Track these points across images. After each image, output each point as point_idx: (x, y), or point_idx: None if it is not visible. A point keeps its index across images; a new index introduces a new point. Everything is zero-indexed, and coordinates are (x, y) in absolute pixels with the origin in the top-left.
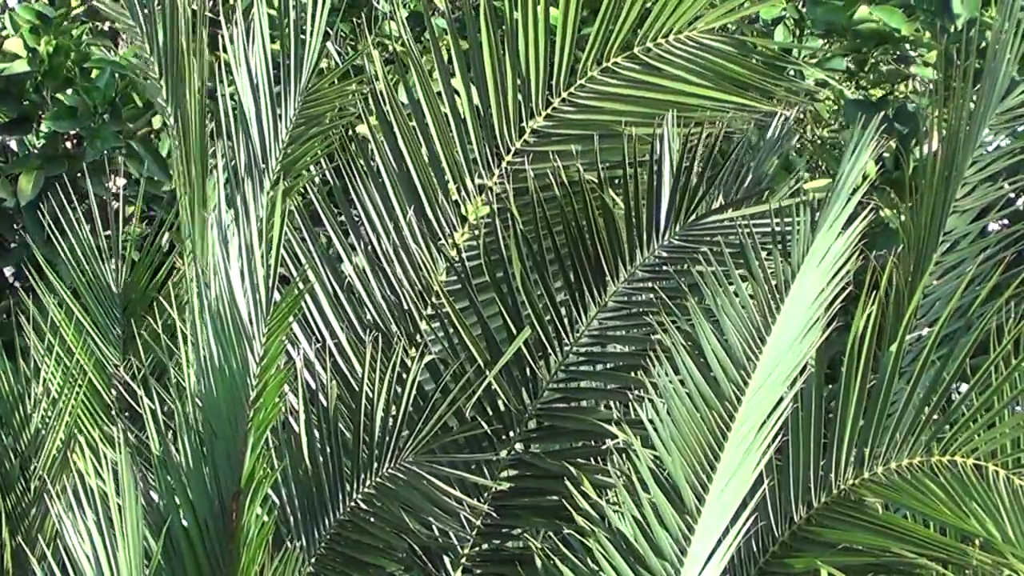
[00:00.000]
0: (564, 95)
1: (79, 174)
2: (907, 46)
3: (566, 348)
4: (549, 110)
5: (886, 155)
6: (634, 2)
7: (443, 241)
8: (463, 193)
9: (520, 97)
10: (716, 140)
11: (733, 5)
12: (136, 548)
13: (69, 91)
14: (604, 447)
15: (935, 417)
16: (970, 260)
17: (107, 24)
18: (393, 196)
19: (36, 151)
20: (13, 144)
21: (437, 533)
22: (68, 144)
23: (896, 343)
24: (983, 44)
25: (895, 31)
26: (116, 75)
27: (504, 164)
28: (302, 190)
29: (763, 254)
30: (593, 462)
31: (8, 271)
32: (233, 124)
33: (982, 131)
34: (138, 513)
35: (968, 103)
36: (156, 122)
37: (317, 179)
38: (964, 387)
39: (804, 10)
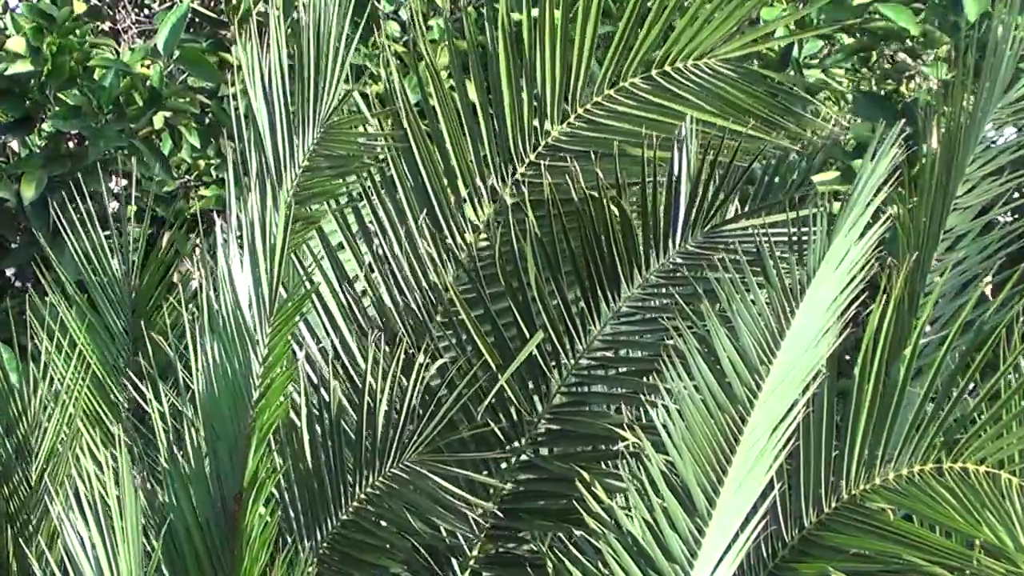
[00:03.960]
0: (580, 111)
1: (81, 173)
2: (914, 43)
3: (578, 352)
4: (564, 125)
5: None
6: (653, 25)
7: (452, 243)
8: (476, 201)
9: (536, 111)
10: (735, 152)
11: (753, 36)
12: (136, 548)
13: (73, 91)
14: (615, 449)
15: (947, 423)
16: (973, 258)
17: (107, 24)
18: (404, 199)
19: (39, 151)
20: (15, 144)
21: (444, 534)
22: (71, 144)
23: (910, 347)
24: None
25: (904, 30)
26: (120, 75)
27: (518, 175)
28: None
29: (779, 259)
30: (603, 466)
31: (10, 271)
32: (244, 127)
33: (984, 126)
34: (138, 513)
35: (969, 98)
36: (158, 122)
37: None
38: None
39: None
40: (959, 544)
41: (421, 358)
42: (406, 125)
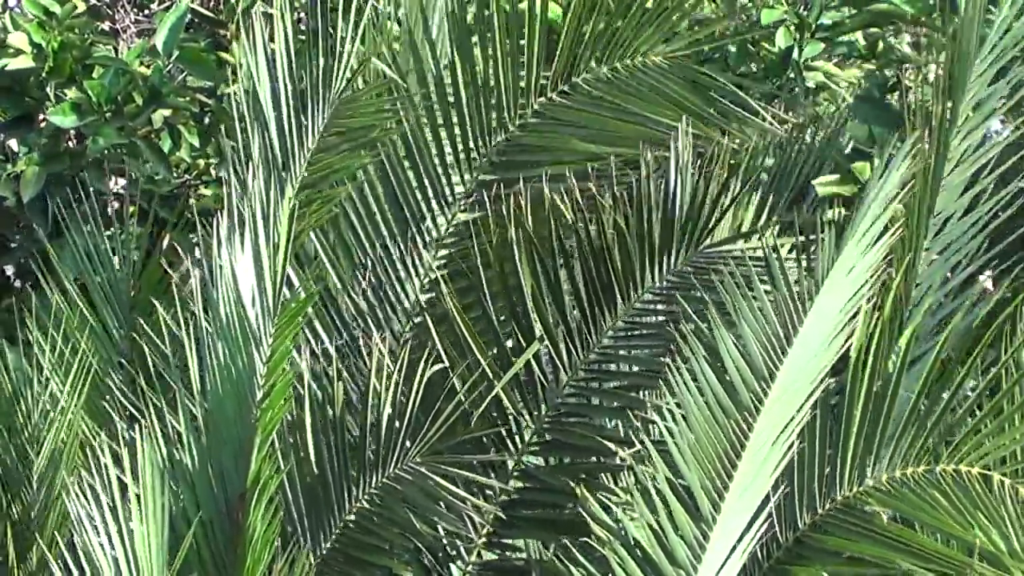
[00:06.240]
0: (536, 106)
1: (81, 171)
2: (921, 29)
3: (576, 364)
4: (520, 119)
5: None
6: (595, 25)
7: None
8: (441, 201)
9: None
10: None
11: (700, 35)
12: (160, 547)
13: (73, 88)
14: (613, 462)
15: (940, 424)
16: (962, 239)
17: (107, 23)
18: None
19: (38, 148)
20: (14, 143)
21: (443, 533)
22: (70, 142)
23: (903, 345)
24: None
25: (906, 12)
26: (119, 73)
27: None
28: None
29: (786, 270)
30: (602, 477)
31: (9, 269)
32: (248, 120)
33: (962, 102)
34: (163, 511)
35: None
36: (157, 121)
37: None
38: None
39: (805, 14)
40: (951, 548)
41: (424, 359)
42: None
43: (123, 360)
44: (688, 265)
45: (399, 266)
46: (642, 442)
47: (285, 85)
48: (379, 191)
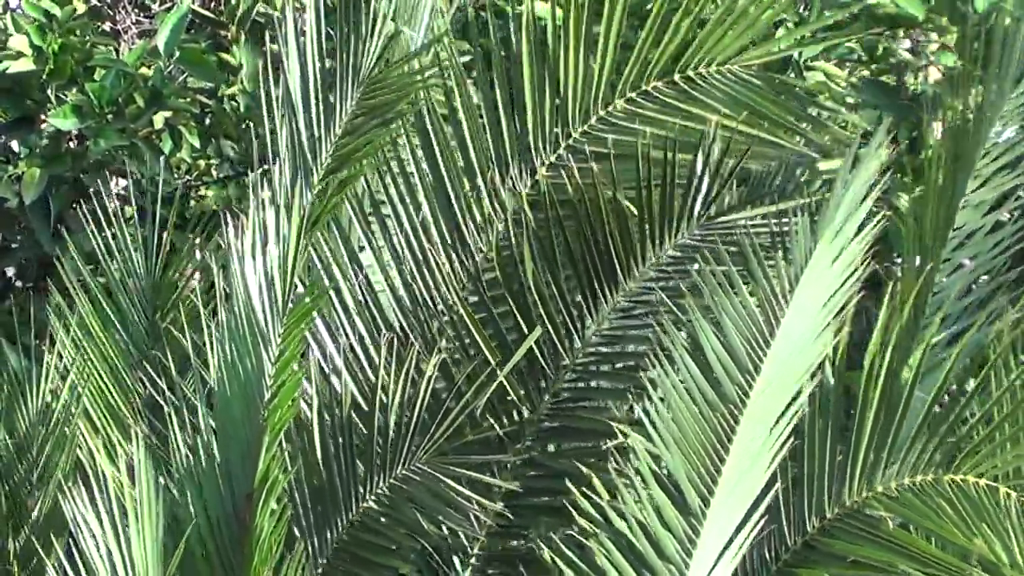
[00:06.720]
0: (602, 113)
1: (84, 172)
2: (921, 32)
3: (577, 348)
4: (585, 127)
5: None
6: (676, 30)
7: (465, 243)
8: (492, 202)
9: (557, 113)
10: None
11: (776, 44)
12: (155, 547)
13: (73, 90)
14: (610, 446)
15: (950, 434)
16: (983, 256)
17: (107, 24)
18: (423, 197)
19: (39, 150)
20: (15, 144)
21: (448, 533)
22: (71, 143)
23: (918, 355)
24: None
25: (912, 17)
26: (120, 75)
27: (538, 176)
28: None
29: (765, 255)
30: (604, 462)
31: (10, 271)
32: (278, 114)
33: (995, 119)
34: (157, 511)
35: (979, 90)
36: (158, 122)
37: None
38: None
39: (806, 13)
40: (954, 556)
41: (432, 362)
42: (428, 124)
43: (137, 356)
44: (689, 238)
45: (407, 260)
46: (629, 434)
47: (315, 68)
48: (432, 196)
